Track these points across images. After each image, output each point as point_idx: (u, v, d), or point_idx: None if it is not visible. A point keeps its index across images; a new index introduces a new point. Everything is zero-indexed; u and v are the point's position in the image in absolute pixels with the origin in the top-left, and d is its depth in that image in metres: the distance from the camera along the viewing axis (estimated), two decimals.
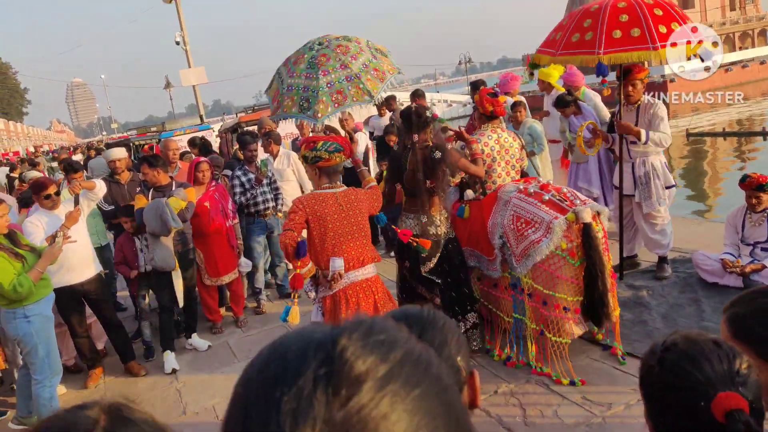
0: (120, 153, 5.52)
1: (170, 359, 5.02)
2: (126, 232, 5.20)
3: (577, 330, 4.03)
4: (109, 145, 5.85)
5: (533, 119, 6.96)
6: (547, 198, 4.03)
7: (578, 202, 4.01)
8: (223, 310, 5.95)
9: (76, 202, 4.53)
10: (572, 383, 3.82)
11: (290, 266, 6.79)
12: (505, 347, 4.27)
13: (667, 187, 5.28)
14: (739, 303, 1.30)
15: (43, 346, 4.00)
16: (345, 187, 3.68)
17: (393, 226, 4.11)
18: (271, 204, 5.98)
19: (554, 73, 7.15)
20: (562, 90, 6.98)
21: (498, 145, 4.49)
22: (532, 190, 4.15)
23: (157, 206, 4.79)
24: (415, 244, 3.90)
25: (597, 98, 7.00)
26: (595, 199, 6.44)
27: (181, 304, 5.14)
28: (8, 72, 61.96)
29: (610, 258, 4.13)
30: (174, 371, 4.95)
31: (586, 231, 3.87)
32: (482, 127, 4.56)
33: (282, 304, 6.08)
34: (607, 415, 3.45)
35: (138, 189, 5.09)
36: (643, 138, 4.95)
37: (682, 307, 4.69)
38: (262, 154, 6.32)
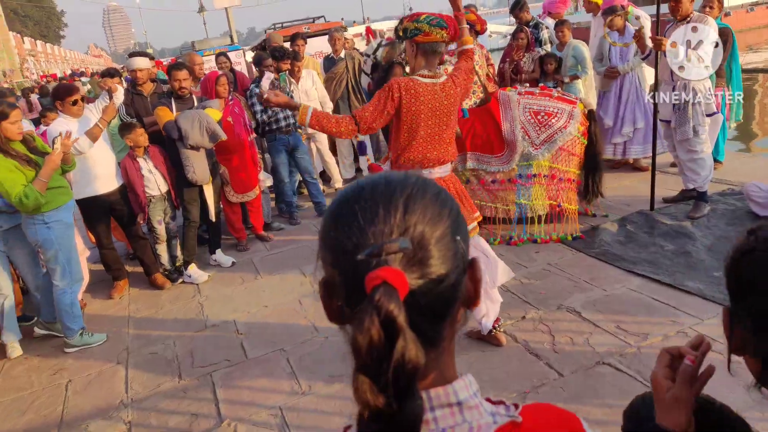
0: (143, 62, 5.31)
1: (198, 271, 4.99)
2: (129, 154, 4.85)
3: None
4: (132, 54, 5.54)
5: (578, 40, 6.50)
6: (555, 94, 4.95)
7: (573, 96, 5.10)
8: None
9: (110, 98, 4.45)
10: (574, 238, 4.78)
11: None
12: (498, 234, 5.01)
13: (708, 115, 4.88)
14: None
15: (64, 252, 3.95)
16: (445, 77, 3.16)
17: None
18: (292, 120, 5.78)
19: None
20: None
21: (481, 59, 5.06)
22: (537, 91, 5.01)
23: (200, 117, 4.61)
24: None
25: (647, 22, 6.48)
26: (607, 130, 6.15)
27: (213, 218, 5.05)
28: None
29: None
30: (209, 277, 5.03)
31: (591, 114, 4.91)
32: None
33: (317, 222, 5.99)
34: (643, 346, 3.27)
35: (160, 101, 4.90)
36: None
37: (730, 240, 4.39)
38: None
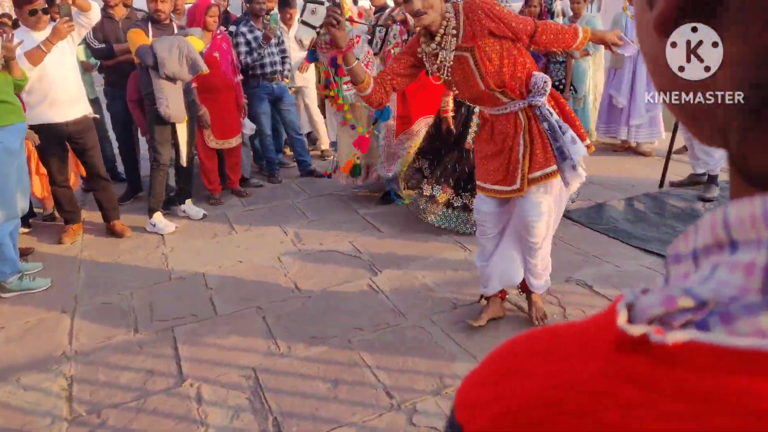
0: None
1: (164, 220, 4.48)
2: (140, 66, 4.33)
3: None
4: None
5: (593, 14, 6.15)
6: None
7: None
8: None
9: (68, 18, 3.79)
10: None
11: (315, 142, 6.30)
12: None
13: None
14: None
15: None
16: None
17: None
18: (279, 67, 5.30)
19: None
20: None
21: None
22: None
23: (180, 44, 4.07)
24: None
25: None
26: (621, 110, 5.82)
27: (185, 162, 4.53)
28: None
29: None
30: (176, 228, 4.53)
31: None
32: None
33: (299, 182, 5.52)
34: None
35: (135, 24, 4.33)
36: None
37: None
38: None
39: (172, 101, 4.15)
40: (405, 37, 4.57)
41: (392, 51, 4.69)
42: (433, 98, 4.54)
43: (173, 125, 4.33)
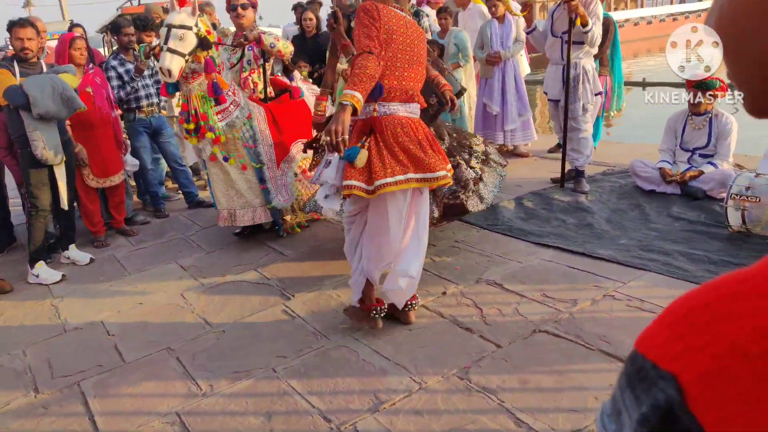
0: None
1: (48, 270, 4.11)
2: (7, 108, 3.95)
3: None
4: None
5: (459, 28, 6.46)
6: None
7: None
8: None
9: None
10: None
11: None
12: None
13: (596, 94, 5.04)
14: None
15: None
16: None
17: None
18: (154, 99, 5.10)
19: None
20: (481, 3, 6.56)
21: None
22: None
23: (54, 81, 3.78)
24: None
25: (521, 20, 6.65)
26: (495, 117, 6.17)
27: (65, 205, 4.18)
28: None
29: None
30: (62, 277, 4.17)
31: None
32: None
33: (188, 215, 5.29)
34: (574, 311, 3.10)
35: None
36: (589, 25, 4.63)
37: (625, 212, 4.48)
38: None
39: (48, 142, 3.83)
40: (261, 62, 4.45)
41: (250, 77, 4.51)
42: (303, 122, 4.43)
43: (50, 167, 4.00)
